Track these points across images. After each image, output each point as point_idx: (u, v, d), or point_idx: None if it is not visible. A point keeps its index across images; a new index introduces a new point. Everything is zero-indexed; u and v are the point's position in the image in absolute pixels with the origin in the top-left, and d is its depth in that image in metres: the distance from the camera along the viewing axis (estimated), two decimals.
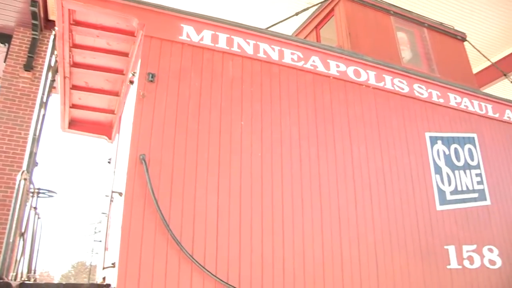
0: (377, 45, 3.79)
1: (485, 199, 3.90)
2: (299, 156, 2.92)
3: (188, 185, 2.32)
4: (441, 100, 4.00)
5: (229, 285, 2.29)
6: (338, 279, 2.74)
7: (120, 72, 3.48)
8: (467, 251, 3.56)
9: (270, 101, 2.97)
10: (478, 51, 4.57)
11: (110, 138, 4.45)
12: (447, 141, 3.88)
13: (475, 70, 6.36)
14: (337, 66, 3.34)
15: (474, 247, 3.61)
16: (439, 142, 3.81)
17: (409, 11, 4.43)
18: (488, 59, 4.70)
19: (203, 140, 2.44)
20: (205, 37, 2.75)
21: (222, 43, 2.82)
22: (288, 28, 4.63)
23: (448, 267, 3.41)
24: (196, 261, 2.23)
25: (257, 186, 2.59)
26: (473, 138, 4.09)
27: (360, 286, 2.82)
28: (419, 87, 3.89)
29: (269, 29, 3.38)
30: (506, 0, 5.75)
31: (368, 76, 3.63)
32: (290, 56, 3.11)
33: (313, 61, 3.25)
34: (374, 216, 3.10)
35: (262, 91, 2.88)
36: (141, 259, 2.11)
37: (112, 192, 3.13)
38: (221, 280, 2.27)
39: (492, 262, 3.65)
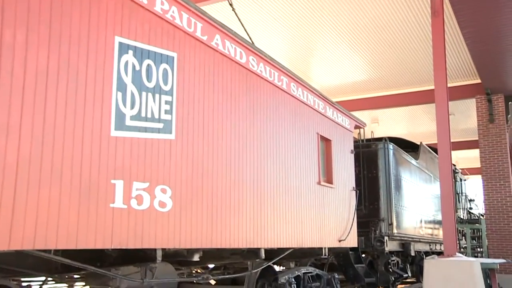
0: None
1: (170, 132, 5.44)
2: None
3: None
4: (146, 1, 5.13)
5: None
6: None
7: None
8: (137, 189, 4.94)
9: None
10: None
11: None
12: (141, 54, 5.08)
13: None
14: None
15: (146, 185, 5.04)
16: (131, 52, 4.95)
17: None
18: None
19: None
20: None
21: None
22: None
23: (112, 205, 4.65)
24: None
25: None
26: (173, 58, 5.52)
27: None
28: None
29: None
30: None
31: None
32: None
33: None
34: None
35: None
36: None
37: None
38: None
39: (162, 204, 5.23)
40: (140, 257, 5.38)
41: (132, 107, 4.97)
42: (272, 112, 7.51)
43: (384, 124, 19.97)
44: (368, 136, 13.67)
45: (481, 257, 18.22)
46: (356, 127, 11.21)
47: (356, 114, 11.83)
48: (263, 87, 7.30)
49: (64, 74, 4.19)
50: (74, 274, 5.44)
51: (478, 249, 20.69)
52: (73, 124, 4.26)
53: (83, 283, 5.57)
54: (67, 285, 5.50)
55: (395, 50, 13.53)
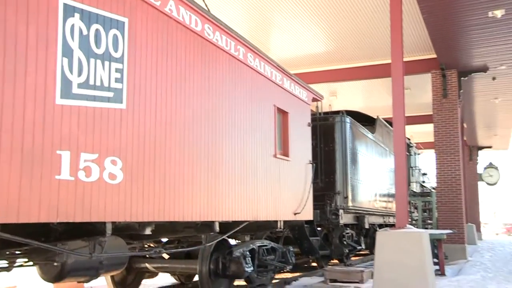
0: None
1: (121, 102, 5.23)
2: None
3: None
4: None
5: None
6: None
7: None
8: (86, 161, 4.75)
9: None
10: None
11: None
12: (89, 18, 4.81)
13: None
14: None
15: (95, 156, 4.85)
16: (77, 16, 4.68)
17: None
18: None
19: None
20: None
21: None
22: None
23: (57, 177, 4.45)
24: None
25: None
26: (123, 23, 5.27)
27: None
28: None
29: None
30: None
31: None
32: None
33: None
34: None
35: None
36: None
37: None
38: None
39: (112, 176, 5.06)
40: (88, 230, 5.22)
41: (80, 74, 4.74)
42: (228, 83, 7.36)
43: (342, 97, 20.07)
44: (326, 109, 13.72)
45: (431, 228, 18.83)
46: (314, 99, 11.18)
47: (314, 87, 11.78)
48: (219, 57, 7.13)
49: (0, 36, 3.92)
50: (16, 250, 5.21)
51: (429, 221, 21.37)
52: (13, 90, 4.01)
53: (26, 259, 5.34)
54: (7, 262, 5.26)
55: (354, 23, 13.50)
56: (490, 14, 10.88)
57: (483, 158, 32.13)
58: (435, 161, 15.33)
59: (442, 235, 11.50)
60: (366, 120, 16.23)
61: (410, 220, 18.65)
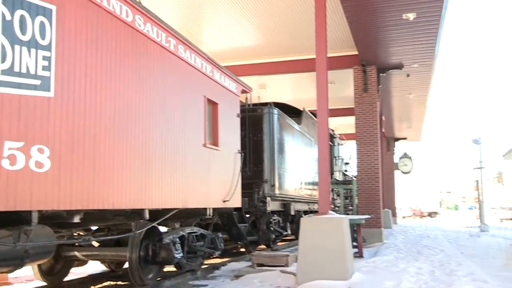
0: None
1: (49, 90, 5.00)
2: None
3: None
4: None
5: None
6: None
7: None
8: (10, 149, 4.51)
9: None
10: None
11: None
12: (12, 3, 4.55)
13: None
14: None
15: (20, 144, 4.61)
16: None
17: None
18: None
19: None
20: None
21: None
22: None
23: None
24: None
25: None
26: (51, 11, 5.03)
27: None
28: None
29: None
30: None
31: None
32: None
33: None
34: None
35: None
36: None
37: None
38: None
39: (39, 164, 4.83)
40: (13, 220, 4.97)
41: (3, 60, 4.48)
42: (160, 73, 7.22)
43: (271, 89, 20.21)
44: (255, 100, 13.78)
45: (352, 214, 19.46)
46: (243, 91, 11.21)
47: (244, 79, 11.79)
48: (150, 48, 6.97)
49: None
50: None
51: (350, 207, 22.04)
52: None
53: None
54: None
55: (282, 19, 13.62)
56: (404, 16, 11.35)
57: (399, 149, 33.55)
58: (356, 151, 15.83)
59: (361, 220, 11.91)
60: (293, 112, 16.47)
61: (332, 206, 19.19)
